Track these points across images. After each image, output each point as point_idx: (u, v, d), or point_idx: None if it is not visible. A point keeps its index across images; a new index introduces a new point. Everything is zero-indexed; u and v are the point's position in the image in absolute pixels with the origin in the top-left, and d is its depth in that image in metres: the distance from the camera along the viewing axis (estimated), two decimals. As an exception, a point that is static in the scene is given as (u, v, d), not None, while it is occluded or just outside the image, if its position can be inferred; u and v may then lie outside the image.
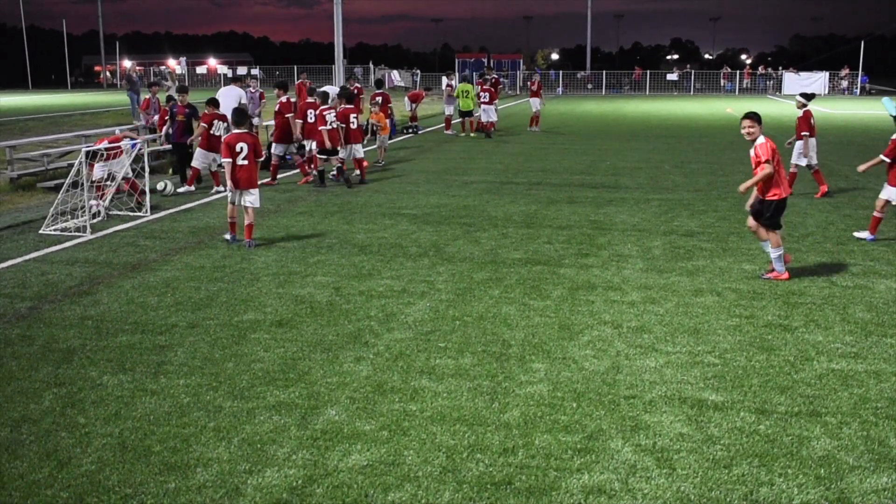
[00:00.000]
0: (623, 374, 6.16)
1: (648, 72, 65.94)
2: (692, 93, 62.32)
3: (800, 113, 14.24)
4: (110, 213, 12.38)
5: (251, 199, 10.30)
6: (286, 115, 15.81)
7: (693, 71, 70.42)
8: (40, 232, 11.18)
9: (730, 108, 41.15)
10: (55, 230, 11.17)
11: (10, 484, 4.62)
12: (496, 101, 26.01)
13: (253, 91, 20.42)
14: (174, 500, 4.44)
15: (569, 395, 5.80)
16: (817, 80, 58.71)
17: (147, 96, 19.70)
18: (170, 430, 5.24)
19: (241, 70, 73.61)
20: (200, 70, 77.15)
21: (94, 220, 11.73)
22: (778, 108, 42.51)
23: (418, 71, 71.06)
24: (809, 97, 14.42)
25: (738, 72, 67.08)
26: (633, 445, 5.05)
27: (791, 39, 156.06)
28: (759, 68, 68.74)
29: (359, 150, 15.73)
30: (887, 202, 10.47)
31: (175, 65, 71.41)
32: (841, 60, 61.79)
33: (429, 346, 6.74)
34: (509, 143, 23.73)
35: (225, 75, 73.82)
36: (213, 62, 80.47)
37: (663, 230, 11.31)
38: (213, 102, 14.63)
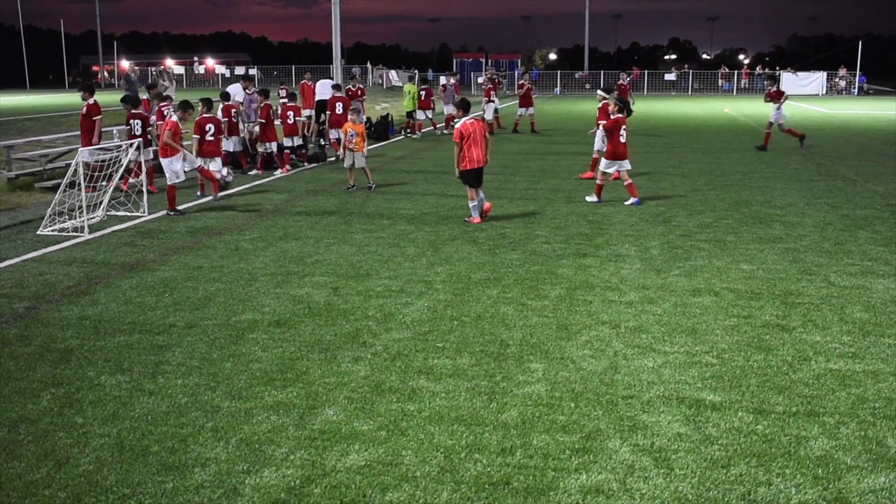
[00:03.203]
0: (621, 374, 6.16)
1: (646, 72, 65.96)
2: (690, 93, 62.36)
3: (599, 104, 16.56)
4: (108, 212, 12.37)
5: (215, 165, 14.06)
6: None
7: (691, 71, 70.48)
8: (38, 232, 11.17)
9: (728, 107, 41.17)
10: (53, 230, 11.16)
11: (7, 484, 4.62)
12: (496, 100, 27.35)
13: (250, 93, 20.37)
14: (172, 500, 4.44)
15: (567, 395, 5.80)
16: (815, 80, 58.76)
17: (145, 97, 19.66)
18: (168, 431, 5.24)
19: (240, 70, 73.63)
20: (199, 70, 77.21)
21: (92, 221, 11.72)
22: (776, 108, 42.52)
23: (416, 71, 71.03)
24: (609, 91, 17.27)
25: (735, 72, 67.14)
26: (631, 445, 5.05)
27: (789, 39, 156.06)
28: (757, 68, 68.80)
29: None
30: (619, 173, 13.46)
31: (172, 64, 71.36)
32: (839, 60, 61.85)
33: (427, 346, 6.74)
34: (508, 143, 23.73)
35: (223, 75, 73.85)
36: (210, 62, 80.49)
37: (661, 230, 11.31)
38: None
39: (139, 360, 6.45)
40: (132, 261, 9.66)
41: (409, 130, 26.11)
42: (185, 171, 13.02)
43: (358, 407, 5.59)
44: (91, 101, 14.40)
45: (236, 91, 19.97)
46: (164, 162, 12.67)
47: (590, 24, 77.46)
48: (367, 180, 14.99)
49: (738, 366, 6.33)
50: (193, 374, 6.16)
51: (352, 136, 14.73)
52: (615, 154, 13.22)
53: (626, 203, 13.27)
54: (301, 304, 7.92)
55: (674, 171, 17.48)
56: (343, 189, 14.84)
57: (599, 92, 17.02)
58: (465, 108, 12.19)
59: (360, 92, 23.89)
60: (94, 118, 14.31)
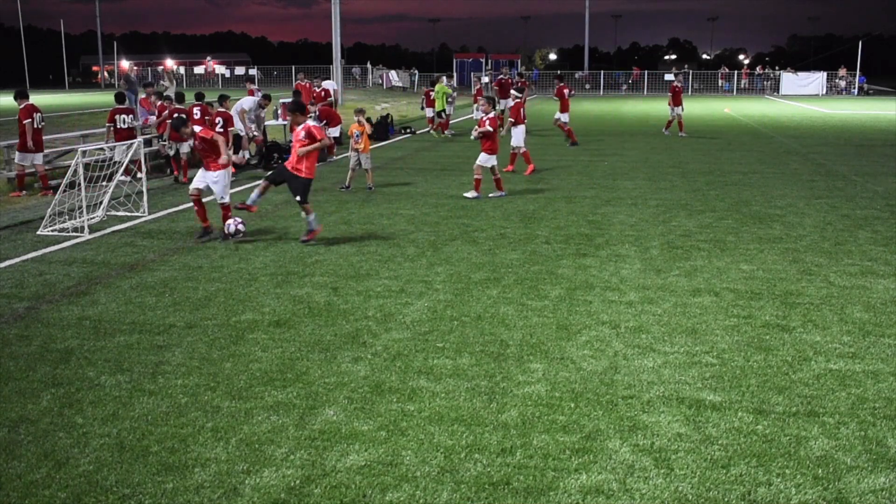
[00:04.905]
0: (621, 375, 6.16)
1: (646, 72, 65.95)
2: (690, 93, 62.31)
3: (511, 103, 17.88)
4: (108, 212, 12.36)
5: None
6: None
7: (691, 71, 70.44)
8: (38, 232, 11.16)
9: (728, 108, 41.17)
10: (53, 230, 11.16)
11: (7, 484, 4.62)
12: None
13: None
14: (172, 501, 4.44)
15: (567, 395, 5.80)
16: (815, 80, 58.75)
17: (143, 96, 19.65)
18: (168, 431, 5.24)
19: (240, 70, 73.63)
20: (198, 70, 77.19)
21: (92, 221, 11.71)
22: (776, 108, 42.54)
23: (416, 71, 71.02)
24: (521, 91, 19.71)
25: (735, 72, 67.12)
26: (631, 445, 5.05)
27: (789, 39, 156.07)
28: (757, 68, 68.75)
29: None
30: (481, 166, 13.83)
31: (174, 65, 71.30)
32: (839, 60, 61.86)
33: (427, 347, 6.74)
34: (507, 144, 23.68)
35: (223, 75, 73.82)
36: (210, 62, 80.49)
37: (661, 230, 11.31)
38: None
39: (139, 360, 6.45)
40: (132, 261, 9.66)
41: (439, 130, 26.22)
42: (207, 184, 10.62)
43: (358, 407, 5.59)
44: (22, 105, 14.68)
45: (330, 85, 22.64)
46: None
47: (590, 24, 77.47)
48: (368, 181, 15.07)
49: (738, 366, 6.33)
50: (193, 374, 6.16)
51: (357, 136, 14.86)
52: (493, 149, 13.90)
53: (490, 196, 14.00)
54: (301, 304, 7.92)
55: (674, 171, 17.48)
56: (339, 188, 14.84)
57: (513, 92, 18.87)
58: (301, 109, 10.89)
59: (324, 94, 23.54)
60: (23, 122, 14.52)
